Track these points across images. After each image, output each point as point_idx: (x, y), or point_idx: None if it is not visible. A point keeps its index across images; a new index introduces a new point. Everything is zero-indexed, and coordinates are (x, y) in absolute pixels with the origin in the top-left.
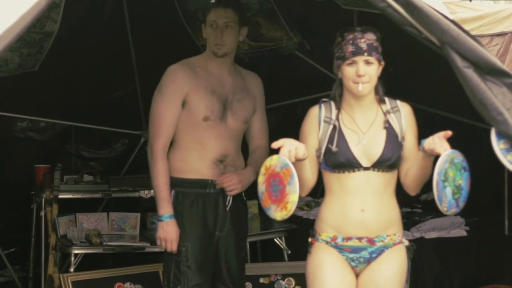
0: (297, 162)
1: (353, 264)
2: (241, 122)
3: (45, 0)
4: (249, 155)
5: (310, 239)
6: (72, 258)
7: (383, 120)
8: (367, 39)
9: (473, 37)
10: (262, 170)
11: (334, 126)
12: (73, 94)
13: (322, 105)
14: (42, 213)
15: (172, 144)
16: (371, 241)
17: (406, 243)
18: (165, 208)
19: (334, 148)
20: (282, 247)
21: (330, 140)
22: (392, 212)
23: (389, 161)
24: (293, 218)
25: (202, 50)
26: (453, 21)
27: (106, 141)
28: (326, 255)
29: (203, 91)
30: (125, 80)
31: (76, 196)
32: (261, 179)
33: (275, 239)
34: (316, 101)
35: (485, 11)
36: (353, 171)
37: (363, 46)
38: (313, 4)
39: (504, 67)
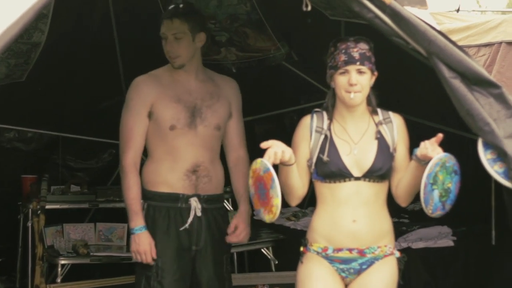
0: (286, 168)
1: (343, 275)
2: (213, 128)
3: (33, 10)
4: (231, 171)
5: (302, 249)
6: (59, 269)
7: (375, 131)
8: (360, 48)
9: (460, 48)
10: (250, 173)
11: (326, 136)
12: (61, 105)
13: (314, 115)
14: (29, 224)
15: (147, 156)
16: (361, 253)
17: (397, 254)
18: (135, 221)
19: (325, 157)
20: (269, 257)
21: (322, 150)
22: (383, 223)
23: (379, 171)
24: (280, 229)
25: None
26: (440, 32)
27: (93, 152)
28: (316, 266)
29: (167, 100)
30: (112, 90)
31: (63, 206)
32: (250, 182)
33: (262, 250)
34: (303, 112)
35: (472, 22)
36: (344, 181)
37: (356, 55)
38: (300, 15)
39: (491, 77)
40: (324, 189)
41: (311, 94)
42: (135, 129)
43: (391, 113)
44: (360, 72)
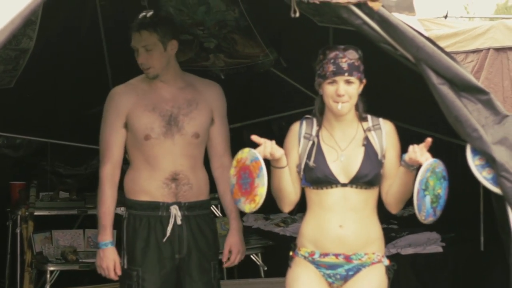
0: (278, 171)
1: (330, 280)
2: (191, 136)
3: (20, 17)
4: (217, 181)
5: (291, 253)
6: (48, 275)
7: (362, 138)
8: (349, 58)
9: (448, 54)
10: (234, 163)
11: (314, 142)
12: (49, 111)
13: (304, 122)
14: (18, 230)
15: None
16: (348, 258)
17: (386, 262)
18: (102, 235)
19: (311, 163)
20: (258, 263)
21: (309, 156)
22: (371, 230)
23: (365, 178)
24: (269, 235)
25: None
26: (428, 38)
27: (82, 158)
28: (303, 271)
29: (141, 109)
30: (101, 97)
31: (52, 213)
32: (232, 172)
33: (251, 256)
34: (292, 118)
35: (460, 28)
36: (331, 187)
37: (344, 66)
38: (288, 21)
39: (479, 84)
40: (312, 195)
41: (299, 100)
42: (111, 141)
43: (381, 120)
44: (348, 82)
